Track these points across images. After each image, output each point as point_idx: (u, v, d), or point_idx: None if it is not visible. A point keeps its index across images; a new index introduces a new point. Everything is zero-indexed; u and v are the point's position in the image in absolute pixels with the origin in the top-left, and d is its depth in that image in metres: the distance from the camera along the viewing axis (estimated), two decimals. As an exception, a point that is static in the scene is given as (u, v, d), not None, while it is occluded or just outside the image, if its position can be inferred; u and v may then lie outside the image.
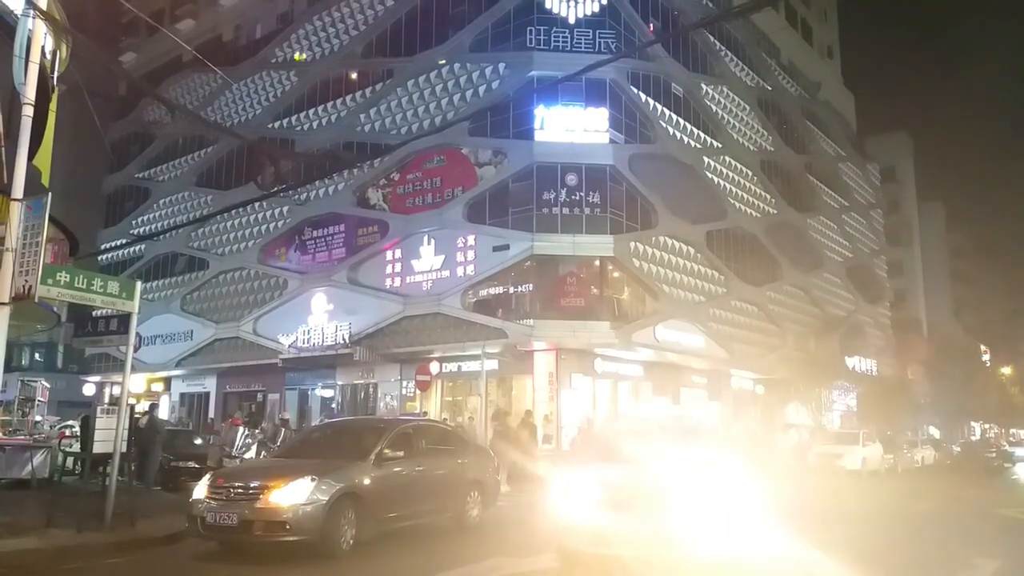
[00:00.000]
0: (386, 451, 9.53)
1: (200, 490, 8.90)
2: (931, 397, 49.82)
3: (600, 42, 28.37)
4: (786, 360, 37.88)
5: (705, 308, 32.18)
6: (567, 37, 28.48)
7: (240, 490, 8.56)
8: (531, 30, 28.57)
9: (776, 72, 42.10)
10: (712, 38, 35.16)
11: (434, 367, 25.71)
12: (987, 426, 66.17)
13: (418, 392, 26.83)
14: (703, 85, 34.25)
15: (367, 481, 9.09)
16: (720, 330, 33.05)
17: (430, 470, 10.26)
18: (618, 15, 29.15)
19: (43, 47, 9.75)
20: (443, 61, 30.56)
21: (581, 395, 27.66)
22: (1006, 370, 64.87)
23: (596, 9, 28.81)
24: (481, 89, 29.53)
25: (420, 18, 31.90)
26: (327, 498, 8.42)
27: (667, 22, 32.00)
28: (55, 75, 12.52)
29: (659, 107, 30.86)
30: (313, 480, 8.45)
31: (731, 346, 33.45)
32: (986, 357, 65.10)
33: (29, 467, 13.75)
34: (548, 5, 28.78)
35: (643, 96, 30.03)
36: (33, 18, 8.90)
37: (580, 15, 28.73)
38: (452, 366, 28.59)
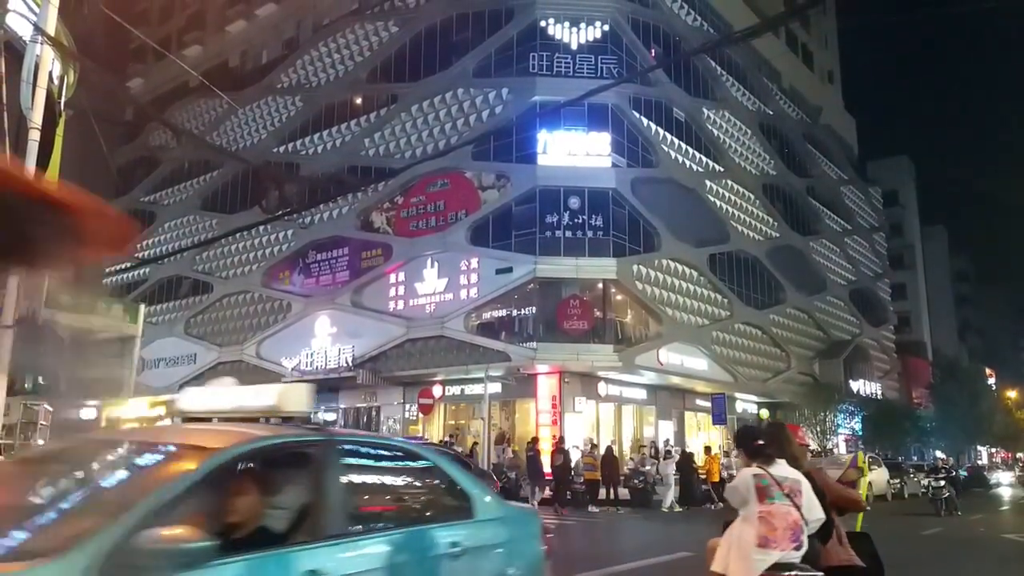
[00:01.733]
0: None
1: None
2: (937, 421, 49.55)
3: (602, 67, 28.62)
4: (791, 383, 37.76)
5: (708, 331, 32.13)
6: (569, 63, 28.73)
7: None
8: (534, 56, 28.84)
9: (777, 97, 42.38)
10: (713, 63, 35.43)
11: (437, 390, 25.66)
12: (993, 450, 65.72)
13: (421, 416, 26.75)
14: (705, 109, 34.46)
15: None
16: (724, 353, 32.98)
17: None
18: (620, 41, 29.43)
19: (51, 72, 9.86)
20: (449, 89, 30.83)
21: (585, 419, 27.55)
22: (1012, 394, 64.52)
23: (598, 35, 29.11)
24: (484, 114, 29.75)
25: (424, 44, 32.24)
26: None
27: (668, 48, 32.25)
28: (62, 100, 12.65)
29: (661, 131, 31.04)
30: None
31: (735, 369, 33.36)
32: (991, 380, 64.78)
33: (30, 491, 13.69)
34: (551, 31, 29.08)
35: (645, 120, 30.21)
36: (41, 44, 9.01)
37: (582, 41, 29.02)
38: (455, 389, 28.50)
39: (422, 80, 31.82)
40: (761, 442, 4.57)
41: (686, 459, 22.32)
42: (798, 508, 4.23)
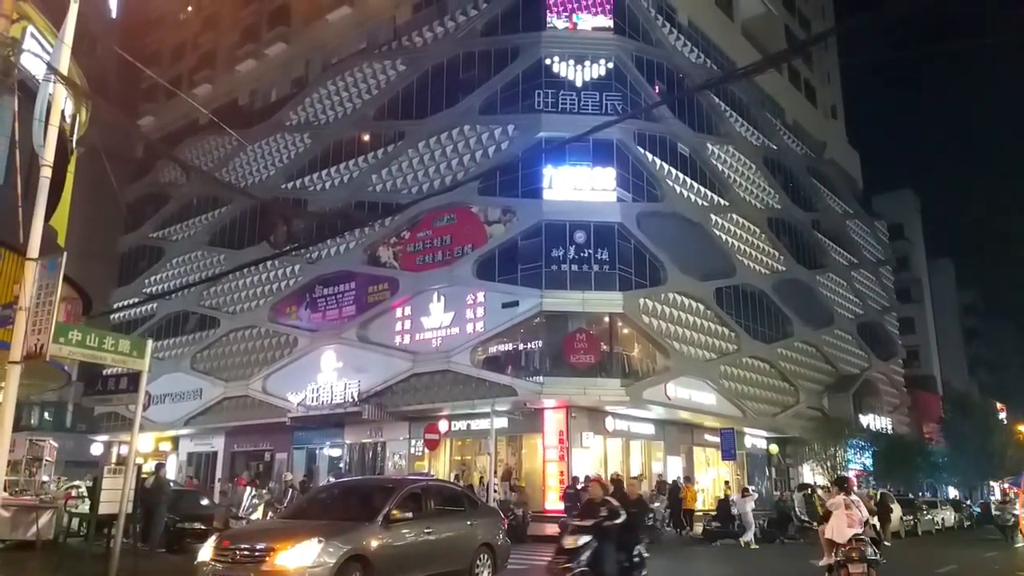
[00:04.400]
0: (394, 512, 9.40)
1: (205, 552, 8.77)
2: (948, 456, 48.93)
3: (606, 104, 28.89)
4: (800, 418, 37.42)
5: (716, 365, 31.96)
6: (574, 99, 29.03)
7: (246, 552, 8.42)
8: (539, 93, 29.15)
9: (781, 132, 42.65)
10: (717, 99, 35.76)
11: (443, 425, 25.48)
12: (1005, 485, 64.73)
13: (427, 451, 26.54)
14: (709, 145, 34.69)
15: (375, 543, 8.94)
16: (732, 387, 32.75)
17: (439, 532, 10.09)
18: (624, 78, 29.76)
19: (63, 111, 10.00)
20: (460, 125, 31.12)
21: (592, 454, 27.30)
22: (1023, 428, 63.66)
23: (602, 72, 29.43)
24: (491, 149, 30.00)
25: (431, 82, 32.65)
26: (334, 561, 8.28)
27: (672, 84, 32.60)
28: (74, 138, 12.82)
29: (665, 166, 31.22)
30: (320, 542, 8.32)
31: (744, 404, 33.10)
32: (1002, 415, 64.05)
33: (34, 528, 13.59)
34: (555, 69, 29.43)
35: (649, 156, 30.41)
36: (54, 83, 9.15)
37: (587, 78, 29.34)
38: (461, 424, 28.35)
39: (429, 117, 32.17)
40: (845, 484, 10.75)
41: (674, 490, 24.07)
42: (860, 512, 10.23)
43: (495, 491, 23.33)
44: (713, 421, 31.30)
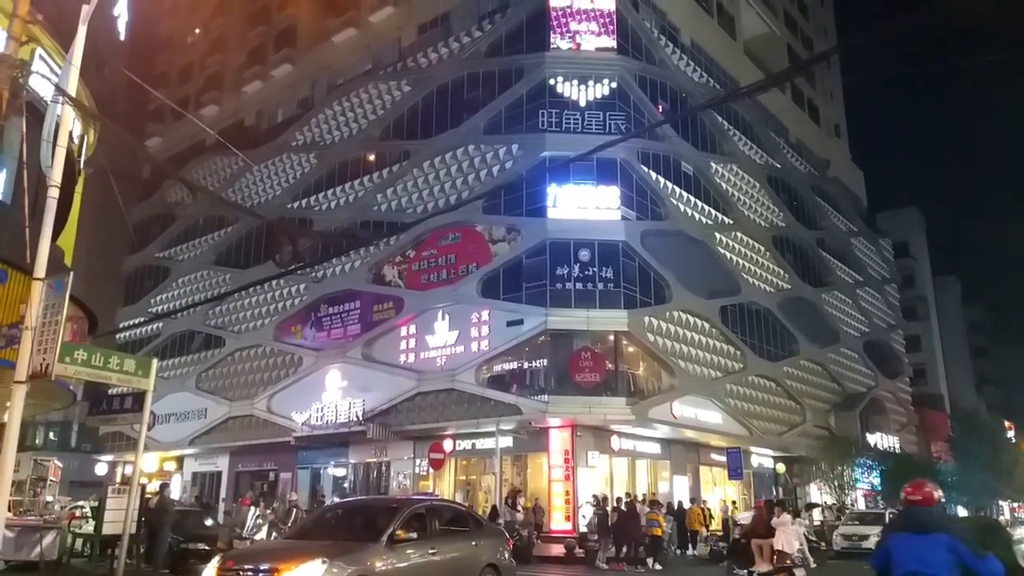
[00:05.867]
0: (399, 532, 9.36)
1: (209, 572, 8.72)
2: (957, 475, 48.51)
3: (610, 123, 29.01)
4: (807, 437, 37.19)
5: (722, 384, 31.84)
6: (578, 119, 29.16)
7: (250, 572, 8.39)
8: (543, 113, 29.30)
9: (785, 150, 42.76)
10: (720, 118, 35.89)
11: (447, 445, 25.39)
12: (1016, 504, 64.17)
13: (431, 471, 26.44)
14: (712, 163, 34.78)
15: (379, 564, 8.89)
16: (738, 406, 32.60)
17: (444, 552, 10.03)
18: (627, 97, 29.91)
19: (71, 132, 10.08)
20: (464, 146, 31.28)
21: (598, 473, 27.15)
22: (1033, 447, 63.09)
23: (606, 92, 29.59)
24: (495, 169, 30.11)
25: (436, 103, 32.86)
26: (338, 581, 8.23)
27: (675, 103, 32.74)
28: (82, 159, 12.92)
29: (670, 185, 31.29)
30: (324, 563, 8.28)
31: (750, 423, 32.93)
32: (1010, 433, 63.58)
33: (38, 549, 13.54)
34: (559, 89, 29.60)
35: (653, 174, 30.49)
36: (62, 104, 9.24)
37: (591, 98, 29.49)
38: (466, 443, 28.23)
39: (434, 137, 32.34)
40: (788, 506, 14.26)
41: (680, 511, 24.78)
42: (799, 528, 14.01)
43: (519, 510, 23.18)
44: (719, 440, 31.13)
